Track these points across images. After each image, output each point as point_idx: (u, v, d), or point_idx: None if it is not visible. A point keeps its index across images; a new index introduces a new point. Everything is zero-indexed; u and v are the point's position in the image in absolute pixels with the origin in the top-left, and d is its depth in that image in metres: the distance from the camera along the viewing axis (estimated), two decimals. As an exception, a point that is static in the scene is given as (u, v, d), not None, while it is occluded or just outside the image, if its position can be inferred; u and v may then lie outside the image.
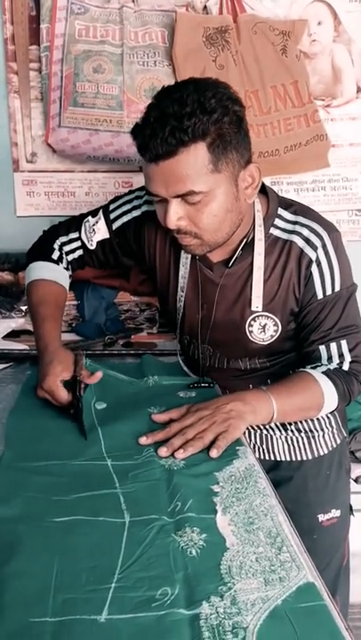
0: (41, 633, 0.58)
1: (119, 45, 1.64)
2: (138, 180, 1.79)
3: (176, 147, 0.93)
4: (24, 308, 1.59)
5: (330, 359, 1.11)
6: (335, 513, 1.27)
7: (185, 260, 1.17)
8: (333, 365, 1.10)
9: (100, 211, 1.25)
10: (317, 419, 1.22)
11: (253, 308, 1.12)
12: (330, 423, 1.25)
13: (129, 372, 1.21)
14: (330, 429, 1.25)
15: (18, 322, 1.55)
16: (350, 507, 1.33)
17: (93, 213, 1.26)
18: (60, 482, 0.83)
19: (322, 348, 1.11)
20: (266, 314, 1.13)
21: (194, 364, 1.26)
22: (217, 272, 1.15)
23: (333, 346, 1.11)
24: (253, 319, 1.13)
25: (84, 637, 0.57)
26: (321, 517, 1.25)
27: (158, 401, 1.06)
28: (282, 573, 0.66)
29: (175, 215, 0.99)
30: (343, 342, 1.11)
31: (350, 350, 1.11)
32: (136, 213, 1.22)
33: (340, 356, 1.11)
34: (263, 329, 1.14)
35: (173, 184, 0.96)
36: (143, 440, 0.94)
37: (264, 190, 1.14)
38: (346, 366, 1.11)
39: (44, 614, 0.60)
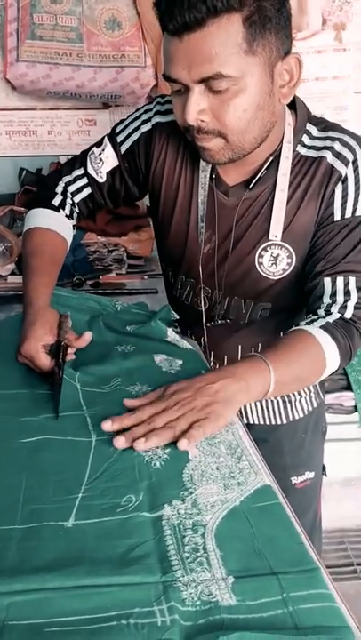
0: (9, 538, 0.60)
1: (77, -27, 1.58)
2: (101, 118, 1.76)
3: (206, 15, 0.78)
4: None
5: (333, 295, 0.95)
6: (309, 475, 1.23)
7: (204, 179, 1.01)
8: (335, 310, 0.95)
9: (105, 137, 1.11)
10: None
11: (271, 237, 0.99)
12: (308, 387, 1.19)
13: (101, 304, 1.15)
14: (307, 394, 1.20)
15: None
16: (323, 467, 1.31)
17: (98, 144, 1.12)
18: (28, 405, 0.84)
19: (327, 280, 0.95)
20: (280, 243, 1.00)
21: (185, 311, 1.11)
22: (233, 197, 1.01)
23: (340, 280, 0.95)
24: (265, 249, 1.01)
25: (51, 541, 0.60)
26: (294, 480, 1.22)
27: (126, 340, 1.03)
28: (240, 479, 0.69)
29: (196, 106, 0.84)
30: (352, 279, 0.95)
31: (358, 289, 0.95)
32: (145, 128, 1.07)
33: (346, 293, 0.95)
34: (275, 260, 1.01)
35: (198, 64, 0.81)
36: (107, 426, 0.76)
37: (293, 105, 0.99)
38: (349, 311, 0.95)
39: (13, 522, 0.62)
